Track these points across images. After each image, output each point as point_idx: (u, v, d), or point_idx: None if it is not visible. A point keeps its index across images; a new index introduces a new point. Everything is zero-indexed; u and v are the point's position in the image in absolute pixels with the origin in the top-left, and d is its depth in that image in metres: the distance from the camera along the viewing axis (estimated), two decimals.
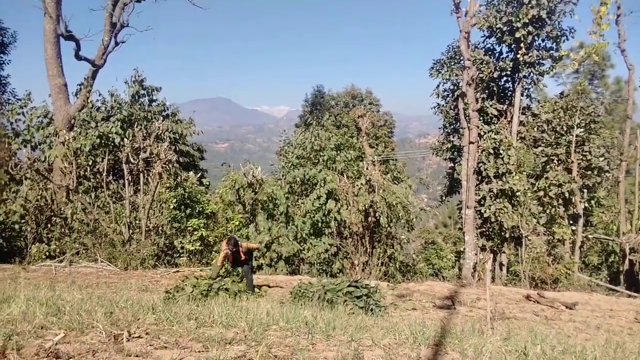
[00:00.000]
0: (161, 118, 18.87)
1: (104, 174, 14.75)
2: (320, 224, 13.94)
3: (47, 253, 12.97)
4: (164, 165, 14.11)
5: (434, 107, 21.14)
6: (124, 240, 13.24)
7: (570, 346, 4.23)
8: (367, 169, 15.11)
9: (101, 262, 12.35)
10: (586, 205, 17.55)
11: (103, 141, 16.20)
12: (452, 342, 3.86)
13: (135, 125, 15.77)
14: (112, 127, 16.37)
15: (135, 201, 14.20)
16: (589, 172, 17.22)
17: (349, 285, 7.79)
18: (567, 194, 16.71)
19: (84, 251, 13.06)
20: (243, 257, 8.46)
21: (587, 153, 17.11)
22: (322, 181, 14.25)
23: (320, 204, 13.84)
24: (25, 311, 3.82)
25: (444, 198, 22.18)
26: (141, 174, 14.42)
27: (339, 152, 16.87)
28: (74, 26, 17.31)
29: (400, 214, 14.00)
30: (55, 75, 16.75)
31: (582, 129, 17.22)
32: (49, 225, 13.88)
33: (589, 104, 17.93)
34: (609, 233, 17.99)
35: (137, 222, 13.89)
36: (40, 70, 17.20)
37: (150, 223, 13.80)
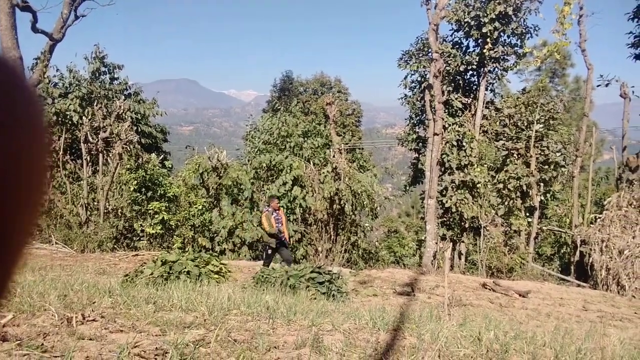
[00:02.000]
0: (123, 97, 18.28)
1: (60, 153, 14.18)
2: (285, 211, 13.91)
3: None
4: (124, 146, 13.69)
5: (402, 98, 21.34)
6: (80, 222, 12.82)
7: (521, 332, 4.40)
8: (333, 156, 15.15)
9: (56, 243, 11.93)
10: (542, 198, 18.23)
11: (60, 119, 15.55)
12: (410, 327, 3.94)
13: (95, 104, 15.20)
14: (70, 104, 15.73)
15: (93, 182, 13.75)
16: (546, 167, 17.86)
17: (311, 272, 7.83)
18: (524, 187, 17.30)
19: (37, 232, 12.57)
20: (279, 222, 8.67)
21: (545, 148, 17.72)
22: (289, 167, 14.20)
23: (285, 190, 13.80)
24: None
25: (407, 188, 22.53)
26: (100, 154, 13.96)
27: (306, 139, 16.83)
28: None
29: (364, 202, 14.15)
30: (10, 48, 15.86)
31: (541, 125, 17.80)
32: None
33: (549, 100, 18.53)
34: (562, 225, 18.77)
35: (95, 203, 13.47)
36: None
37: (109, 205, 13.40)
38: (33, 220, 0.33)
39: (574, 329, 5.75)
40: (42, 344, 2.74)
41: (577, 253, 15.91)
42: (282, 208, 8.70)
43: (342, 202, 13.81)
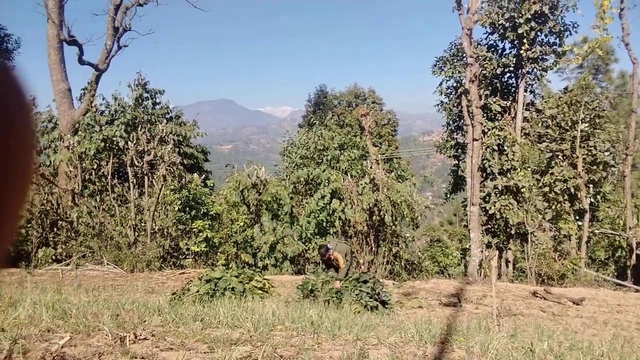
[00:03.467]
0: (165, 120, 18.94)
1: (108, 177, 14.80)
2: (324, 224, 13.93)
3: (53, 257, 13.03)
4: (168, 168, 14.14)
5: (437, 105, 21.09)
6: (129, 243, 13.28)
7: (577, 342, 4.21)
8: (371, 167, 15.10)
9: (107, 264, 12.40)
10: (592, 200, 17.46)
11: (107, 145, 16.26)
12: (458, 339, 3.85)
13: (139, 129, 15.82)
14: (116, 130, 16.43)
15: (140, 204, 14.25)
16: (595, 167, 17.12)
17: (355, 278, 7.89)
18: (572, 190, 16.63)
19: (90, 254, 13.11)
20: (334, 263, 8.57)
21: (592, 148, 17.01)
22: (326, 181, 14.25)
23: (324, 204, 13.84)
24: (31, 315, 3.84)
25: (448, 195, 22.11)
26: (145, 177, 14.47)
27: (342, 151, 16.87)
28: (77, 31, 17.47)
29: (404, 212, 13.98)
30: (59, 80, 16.84)
31: (586, 124, 17.13)
32: (55, 229, 13.95)
33: (594, 98, 17.82)
34: (615, 228, 17.88)
35: (143, 224, 13.94)
36: (44, 76, 17.31)
37: (155, 225, 13.84)
38: (16, 216, 0.37)
39: (634, 337, 5.44)
40: None
41: (634, 256, 15.10)
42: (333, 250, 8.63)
43: (381, 213, 13.70)
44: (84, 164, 15.08)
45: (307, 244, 13.53)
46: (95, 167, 15.44)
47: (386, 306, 7.53)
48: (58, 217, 14.10)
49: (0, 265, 0.36)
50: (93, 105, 17.58)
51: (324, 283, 8.02)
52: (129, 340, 3.33)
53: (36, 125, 0.40)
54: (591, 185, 17.32)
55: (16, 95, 0.36)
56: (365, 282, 7.90)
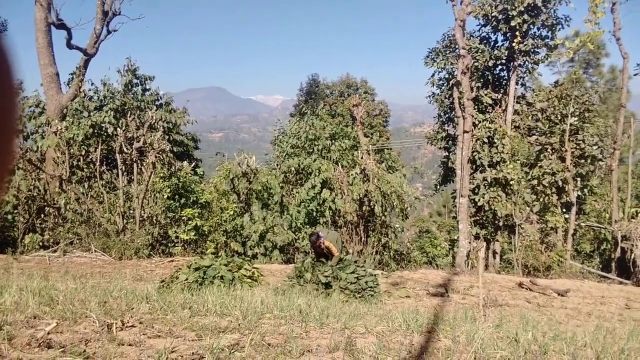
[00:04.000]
0: (154, 107, 18.75)
1: (97, 164, 14.66)
2: (314, 213, 13.96)
3: (40, 243, 12.93)
4: (157, 155, 14.03)
5: (429, 96, 21.08)
6: (117, 230, 13.21)
7: (561, 332, 4.28)
8: (361, 158, 15.11)
9: (95, 251, 12.33)
10: (579, 193, 17.66)
11: (96, 131, 16.09)
12: (444, 329, 3.89)
13: (129, 115, 15.66)
14: (104, 116, 16.24)
15: (129, 191, 14.15)
16: (583, 161, 17.30)
17: (337, 263, 8.00)
18: (560, 183, 16.80)
19: (77, 241, 13.02)
20: (325, 251, 8.56)
21: (581, 142, 17.17)
22: (317, 170, 14.25)
23: (314, 193, 13.85)
24: (17, 301, 3.81)
25: (438, 187, 22.22)
26: (135, 164, 14.36)
27: (333, 141, 16.86)
28: (65, 14, 17.12)
29: (394, 203, 14.05)
30: (47, 65, 16.57)
31: (576, 118, 17.27)
32: (42, 215, 13.83)
33: (584, 92, 17.94)
34: (601, 221, 18.14)
35: (131, 211, 13.86)
36: (32, 60, 17.00)
37: (144, 213, 13.76)
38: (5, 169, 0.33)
39: (616, 328, 5.54)
40: (85, 351, 2.84)
41: (618, 249, 15.35)
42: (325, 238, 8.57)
43: (371, 204, 13.75)
44: (72, 150, 14.91)
45: (297, 233, 13.55)
46: (83, 153, 15.28)
47: (371, 292, 7.60)
48: (45, 204, 13.95)
49: None
50: (81, 90, 17.34)
51: (314, 268, 8.07)
52: (116, 328, 3.32)
53: (19, 93, 0.36)
54: (579, 179, 17.51)
55: None
56: (345, 266, 7.99)
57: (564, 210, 17.36)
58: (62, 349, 2.83)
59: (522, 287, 10.12)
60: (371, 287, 7.74)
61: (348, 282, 7.68)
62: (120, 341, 3.06)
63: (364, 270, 8.24)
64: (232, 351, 2.98)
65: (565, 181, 16.83)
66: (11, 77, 0.33)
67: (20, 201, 13.58)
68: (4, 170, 0.33)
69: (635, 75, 16.38)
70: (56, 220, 13.69)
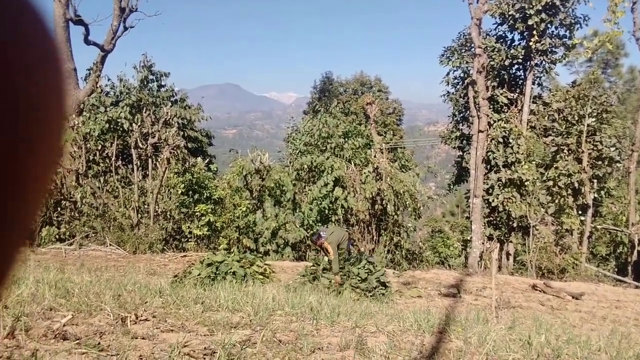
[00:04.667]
0: (170, 103, 18.89)
1: (112, 159, 14.84)
2: (327, 211, 13.96)
3: (56, 236, 13.13)
4: (172, 151, 14.15)
5: (444, 95, 20.93)
6: (132, 225, 13.36)
7: (574, 336, 4.23)
8: (374, 156, 15.06)
9: (110, 245, 12.49)
10: (596, 195, 17.40)
11: (112, 126, 16.28)
12: (456, 330, 3.87)
13: (144, 111, 15.81)
14: (120, 112, 16.42)
15: (143, 186, 14.30)
16: (600, 162, 17.03)
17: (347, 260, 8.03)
18: (576, 184, 16.57)
19: (93, 234, 13.20)
20: (323, 250, 8.65)
21: (598, 143, 16.90)
22: (330, 168, 14.24)
23: (327, 191, 13.85)
24: (34, 293, 3.88)
25: (452, 186, 22.07)
26: (149, 159, 14.50)
27: (346, 139, 16.83)
28: (83, 10, 17.32)
29: (407, 202, 13.98)
30: (65, 60, 16.64)
31: (593, 119, 16.99)
32: (59, 209, 14.04)
33: (602, 93, 17.64)
34: (618, 224, 17.85)
35: (146, 206, 14.00)
36: None
37: (158, 208, 13.90)
38: (41, 192, 0.32)
39: (631, 332, 5.46)
40: (99, 343, 2.89)
41: (635, 253, 15.10)
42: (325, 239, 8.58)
43: (384, 203, 13.71)
44: (89, 145, 15.11)
45: (308, 230, 13.57)
46: (99, 148, 15.47)
47: (381, 290, 7.60)
48: (62, 197, 14.17)
49: (22, 243, 0.32)
50: (98, 86, 17.55)
51: (325, 270, 8.09)
52: (130, 321, 3.36)
53: (66, 74, 0.36)
54: (595, 181, 17.25)
55: (42, 30, 0.33)
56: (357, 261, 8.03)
57: (580, 212, 17.11)
58: (77, 341, 2.88)
59: (536, 290, 10.01)
60: (382, 283, 7.75)
61: (359, 279, 7.69)
62: (134, 334, 3.11)
63: (375, 267, 8.25)
64: (244, 347, 3.00)
65: (582, 183, 16.59)
66: (62, 74, 0.33)
67: (51, 198, 13.79)
68: (52, 167, 0.33)
69: None
70: (72, 213, 13.89)
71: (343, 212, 13.97)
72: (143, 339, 3.07)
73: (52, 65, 0.32)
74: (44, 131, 0.30)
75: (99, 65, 18.05)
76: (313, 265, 8.63)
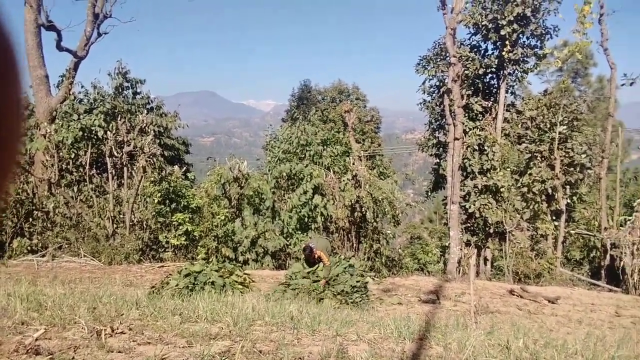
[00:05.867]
0: (145, 111, 18.63)
1: (86, 168, 14.53)
2: (306, 219, 13.93)
3: (28, 247, 12.75)
4: (148, 159, 13.94)
5: (420, 103, 21.21)
6: (107, 235, 13.07)
7: (552, 340, 4.30)
8: (353, 164, 15.13)
9: (84, 256, 12.19)
10: (568, 201, 17.82)
11: (86, 134, 15.95)
12: (436, 336, 3.89)
13: (119, 118, 15.55)
14: (94, 119, 16.12)
15: (119, 195, 14.02)
16: (572, 169, 17.47)
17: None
18: (550, 190, 16.95)
19: (66, 246, 12.87)
20: (317, 260, 8.57)
21: (570, 150, 17.35)
22: (309, 176, 14.24)
23: (306, 199, 13.83)
24: (5, 306, 3.75)
25: (429, 193, 22.30)
26: (125, 168, 14.25)
27: (325, 147, 16.87)
28: (55, 16, 16.98)
29: (386, 209, 14.07)
30: (36, 67, 16.41)
31: (565, 126, 17.45)
32: (31, 219, 13.64)
33: (572, 101, 18.16)
34: (590, 229, 18.30)
35: (121, 216, 13.73)
36: (21, 62, 16.76)
37: (134, 217, 13.64)
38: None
39: (606, 335, 5.58)
40: (73, 358, 2.80)
41: (608, 257, 15.49)
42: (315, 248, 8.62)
43: (363, 210, 13.76)
44: (61, 153, 14.76)
45: (288, 239, 13.51)
46: (72, 156, 15.13)
47: (361, 293, 7.67)
48: (34, 207, 13.78)
49: None
50: (71, 93, 17.19)
51: (305, 277, 8.06)
52: (106, 334, 3.27)
53: (24, 89, 0.34)
54: (568, 187, 17.68)
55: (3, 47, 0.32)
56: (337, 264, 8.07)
57: (554, 217, 17.50)
58: (51, 356, 2.78)
59: (513, 294, 10.17)
60: (361, 286, 7.81)
61: (340, 282, 7.71)
62: (110, 348, 3.02)
63: (354, 269, 8.31)
64: (223, 358, 2.95)
65: (555, 189, 16.98)
66: (17, 76, 0.32)
67: (8, 205, 13.39)
68: (7, 176, 0.32)
69: (622, 85, 16.56)
70: (45, 224, 13.52)
71: (322, 219, 13.96)
72: (119, 352, 2.99)
73: (5, 67, 0.31)
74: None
75: (72, 72, 17.70)
76: (291, 275, 8.60)
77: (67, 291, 5.19)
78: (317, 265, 8.52)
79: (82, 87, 17.95)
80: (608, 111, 17.49)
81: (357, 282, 7.85)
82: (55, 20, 16.99)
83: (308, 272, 8.28)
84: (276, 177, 14.74)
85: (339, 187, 14.14)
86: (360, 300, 7.50)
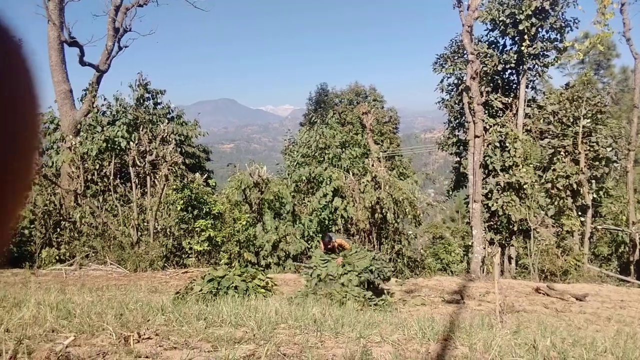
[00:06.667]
0: (166, 120, 18.95)
1: (111, 178, 14.84)
2: (327, 222, 13.94)
3: (57, 257, 13.07)
4: (170, 167, 14.17)
5: (439, 102, 21.06)
6: (132, 243, 13.32)
7: (580, 338, 4.21)
8: (372, 165, 15.10)
9: (110, 264, 12.44)
10: (594, 196, 17.43)
11: (109, 145, 16.30)
12: (461, 336, 3.85)
13: (141, 129, 15.85)
14: (117, 131, 16.46)
15: (142, 203, 14.27)
16: (597, 163, 17.09)
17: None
18: (575, 185, 16.60)
19: (93, 254, 13.15)
20: (337, 249, 8.86)
21: (595, 144, 16.97)
22: (328, 179, 14.26)
23: (326, 202, 13.85)
24: (36, 315, 3.86)
25: (450, 193, 22.10)
26: (148, 177, 14.50)
27: (344, 149, 16.87)
28: (78, 32, 17.51)
29: (407, 210, 13.98)
30: (61, 82, 16.86)
31: (588, 120, 17.09)
32: (58, 230, 14.00)
33: (595, 94, 17.77)
34: (618, 223, 17.86)
35: (145, 224, 13.97)
36: (46, 77, 17.32)
37: (158, 225, 13.87)
38: (14, 212, 0.33)
39: (637, 332, 5.44)
40: None
41: (637, 252, 15.08)
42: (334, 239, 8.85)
43: (383, 211, 13.70)
44: (86, 165, 15.12)
45: (309, 242, 13.54)
46: (97, 167, 15.47)
47: (383, 275, 7.75)
48: (61, 218, 14.14)
49: None
50: (94, 106, 17.60)
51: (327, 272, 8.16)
52: (133, 340, 3.34)
53: (40, 107, 0.36)
54: (593, 181, 17.30)
55: (18, 62, 0.33)
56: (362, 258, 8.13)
57: (580, 213, 17.13)
58: None
59: (539, 293, 9.98)
60: (385, 270, 7.90)
61: (362, 270, 7.80)
62: (137, 353, 3.09)
63: (379, 258, 8.41)
64: None
65: (580, 184, 16.63)
66: (34, 89, 0.34)
67: (37, 216, 13.78)
68: (25, 186, 0.34)
69: None
70: (72, 234, 13.85)
71: (343, 222, 13.96)
72: (146, 357, 3.05)
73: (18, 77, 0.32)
74: (14, 147, 0.31)
75: (95, 86, 18.13)
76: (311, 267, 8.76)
77: (94, 299, 5.32)
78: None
79: (105, 99, 18.37)
80: (633, 102, 17.05)
81: (381, 268, 7.95)
82: (77, 36, 17.46)
83: (331, 257, 8.43)
84: (296, 181, 14.81)
85: (359, 189, 14.12)
86: (381, 300, 7.49)
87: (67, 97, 17.01)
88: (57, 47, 16.72)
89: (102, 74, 18.26)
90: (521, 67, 18.43)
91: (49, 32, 16.66)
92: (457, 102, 20.00)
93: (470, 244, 15.73)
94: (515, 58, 18.21)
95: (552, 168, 17.08)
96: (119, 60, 18.53)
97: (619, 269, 16.85)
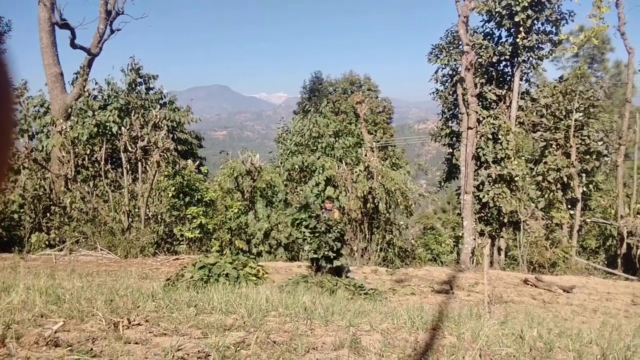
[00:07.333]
0: (158, 106, 18.77)
1: (102, 163, 14.72)
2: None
3: (46, 242, 13.00)
4: (162, 154, 14.06)
5: (433, 93, 21.04)
6: (123, 229, 13.26)
7: (566, 329, 4.27)
8: (365, 155, 15.10)
9: (101, 250, 12.39)
10: (584, 189, 17.59)
11: (100, 130, 16.14)
12: (449, 326, 3.89)
13: (133, 114, 15.70)
14: (109, 115, 16.29)
15: (133, 189, 14.19)
16: (588, 157, 17.22)
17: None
18: (565, 179, 16.73)
19: (83, 240, 13.09)
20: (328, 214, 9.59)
21: (586, 137, 17.08)
22: (321, 168, 14.26)
23: (319, 191, 13.86)
24: (24, 300, 3.84)
25: (442, 184, 22.19)
26: (139, 163, 14.40)
27: (337, 138, 16.86)
28: (69, 14, 17.23)
29: (398, 200, 14.04)
30: (51, 64, 16.60)
31: (581, 113, 17.17)
32: (48, 214, 13.90)
33: (588, 88, 17.84)
34: (607, 217, 18.07)
35: (136, 210, 13.90)
36: (36, 60, 17.05)
37: (149, 211, 13.80)
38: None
39: (622, 324, 5.53)
40: (92, 349, 2.86)
41: (624, 245, 15.29)
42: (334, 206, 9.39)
43: (375, 201, 13.74)
44: (77, 149, 14.97)
45: None
46: (88, 152, 15.33)
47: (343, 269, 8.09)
48: (51, 203, 14.02)
49: None
50: (86, 89, 17.37)
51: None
52: (123, 326, 3.34)
53: (14, 86, 0.35)
54: (584, 175, 17.44)
55: None
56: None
57: (569, 206, 17.29)
58: (70, 348, 2.85)
59: (528, 284, 10.10)
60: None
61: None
62: (127, 339, 3.08)
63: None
64: (238, 349, 2.99)
65: (571, 177, 16.76)
66: (5, 70, 0.33)
67: (27, 200, 13.66)
68: (3, 166, 0.33)
69: None
70: (62, 219, 13.75)
71: None
72: (136, 343, 3.05)
73: None
74: None
75: (86, 69, 17.87)
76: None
77: (84, 284, 5.30)
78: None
79: (96, 83, 18.14)
80: (625, 97, 17.16)
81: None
82: (68, 19, 17.17)
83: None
84: (288, 170, 14.79)
85: (351, 179, 14.14)
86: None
87: (58, 80, 16.76)
88: (48, 29, 16.43)
89: (93, 57, 18.00)
90: (516, 59, 18.43)
91: (39, 13, 16.36)
92: (451, 93, 20.00)
93: (460, 235, 15.85)
94: (510, 50, 18.19)
95: (543, 161, 17.19)
96: (111, 43, 18.28)
97: (606, 262, 17.09)
